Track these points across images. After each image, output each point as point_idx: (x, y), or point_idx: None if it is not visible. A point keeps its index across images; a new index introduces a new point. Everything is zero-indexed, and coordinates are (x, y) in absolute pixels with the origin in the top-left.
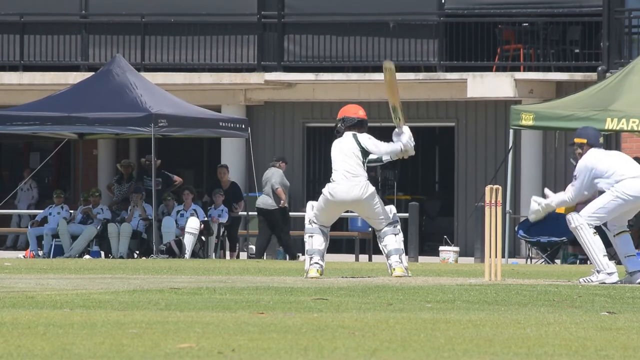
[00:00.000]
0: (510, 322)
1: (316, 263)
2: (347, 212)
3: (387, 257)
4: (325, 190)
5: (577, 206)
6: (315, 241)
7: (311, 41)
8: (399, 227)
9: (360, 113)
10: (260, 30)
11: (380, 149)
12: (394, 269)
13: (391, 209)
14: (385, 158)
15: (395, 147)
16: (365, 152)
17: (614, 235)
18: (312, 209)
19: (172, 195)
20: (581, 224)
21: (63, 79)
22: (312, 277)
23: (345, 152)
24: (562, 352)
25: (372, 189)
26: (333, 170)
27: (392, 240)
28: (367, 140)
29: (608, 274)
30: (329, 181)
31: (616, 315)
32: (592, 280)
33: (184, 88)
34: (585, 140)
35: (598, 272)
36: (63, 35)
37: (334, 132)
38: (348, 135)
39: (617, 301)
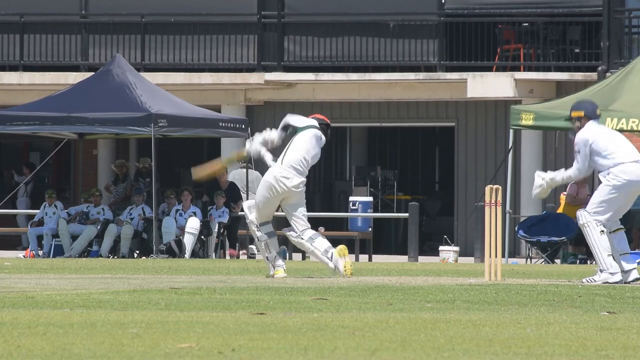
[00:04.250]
0: (510, 322)
1: (279, 266)
2: (346, 211)
3: (327, 252)
4: (270, 178)
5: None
6: (271, 246)
7: (311, 41)
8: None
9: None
10: (260, 30)
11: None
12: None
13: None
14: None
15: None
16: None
17: (610, 233)
18: (250, 211)
19: (174, 193)
20: (589, 221)
21: (63, 79)
22: (281, 278)
23: (311, 146)
24: (562, 352)
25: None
26: (289, 157)
27: (324, 240)
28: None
29: (611, 273)
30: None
31: (616, 315)
32: (595, 280)
33: (184, 88)
34: (582, 113)
35: (601, 271)
36: (63, 35)
37: (327, 136)
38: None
39: (617, 301)
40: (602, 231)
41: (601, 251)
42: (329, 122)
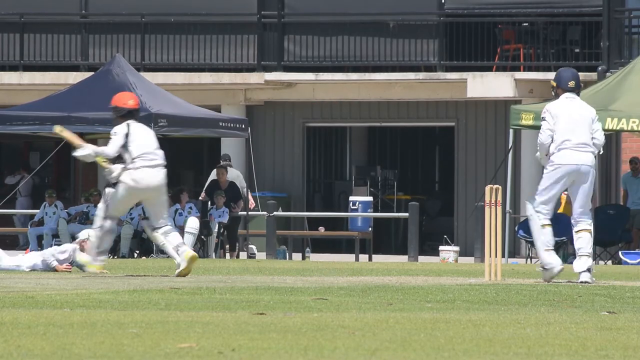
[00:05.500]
0: (510, 322)
1: (102, 261)
2: (346, 211)
3: (178, 248)
4: (126, 178)
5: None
6: (105, 239)
7: (311, 41)
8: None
9: (131, 103)
10: (260, 30)
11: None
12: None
13: None
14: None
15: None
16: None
17: (575, 232)
18: (105, 211)
19: (170, 192)
20: (531, 214)
21: (63, 79)
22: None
23: (150, 136)
24: (562, 352)
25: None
26: (134, 154)
27: (177, 236)
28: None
29: (544, 268)
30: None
31: (616, 315)
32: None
33: (184, 88)
34: (554, 83)
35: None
36: (63, 35)
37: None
38: (140, 124)
39: (617, 301)
40: (543, 225)
41: (538, 245)
42: (114, 105)
